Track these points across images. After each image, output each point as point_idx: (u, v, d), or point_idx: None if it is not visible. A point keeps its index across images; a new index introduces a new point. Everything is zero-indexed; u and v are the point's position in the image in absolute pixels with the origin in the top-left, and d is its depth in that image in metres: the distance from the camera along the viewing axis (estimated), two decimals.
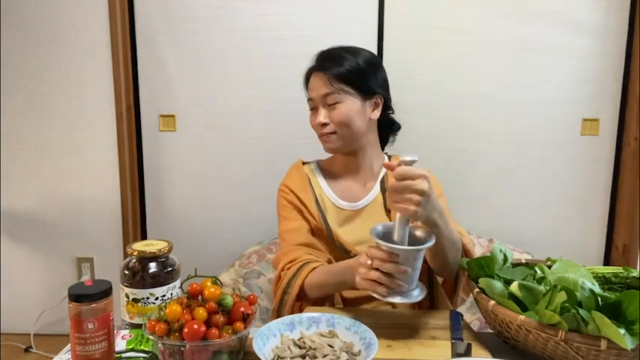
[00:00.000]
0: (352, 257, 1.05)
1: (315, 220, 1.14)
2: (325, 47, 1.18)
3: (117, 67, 1.94)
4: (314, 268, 1.05)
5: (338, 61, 1.12)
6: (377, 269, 0.85)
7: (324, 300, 1.07)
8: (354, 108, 1.11)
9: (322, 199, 1.17)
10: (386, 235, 0.87)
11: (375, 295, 0.86)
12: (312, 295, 1.05)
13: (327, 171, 1.23)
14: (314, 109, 1.16)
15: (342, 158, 1.20)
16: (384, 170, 1.20)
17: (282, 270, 1.09)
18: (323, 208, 1.15)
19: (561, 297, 0.73)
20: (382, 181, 1.19)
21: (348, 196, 1.18)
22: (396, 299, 0.85)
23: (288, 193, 1.19)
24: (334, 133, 1.12)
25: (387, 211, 1.16)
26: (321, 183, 1.20)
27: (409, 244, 0.86)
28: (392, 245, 0.83)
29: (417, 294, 0.87)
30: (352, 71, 1.11)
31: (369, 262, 0.86)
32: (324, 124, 1.11)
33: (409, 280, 0.85)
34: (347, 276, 0.96)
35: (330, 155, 1.24)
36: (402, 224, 0.86)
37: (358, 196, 1.18)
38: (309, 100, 1.16)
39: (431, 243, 0.86)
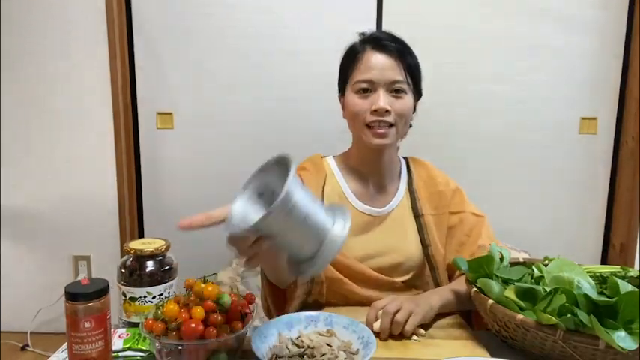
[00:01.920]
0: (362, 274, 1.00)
1: None
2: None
3: (114, 64, 1.93)
4: None
5: (409, 50, 1.02)
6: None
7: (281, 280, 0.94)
8: (412, 103, 1.03)
9: (341, 199, 1.05)
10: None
11: (294, 275, 0.79)
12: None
13: (346, 169, 1.10)
14: (365, 91, 0.99)
15: (364, 157, 1.07)
16: (405, 172, 1.13)
17: None
18: None
19: (560, 300, 0.73)
20: (409, 184, 1.11)
21: (371, 200, 1.07)
22: (311, 267, 0.62)
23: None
24: (393, 125, 0.99)
25: (416, 217, 1.08)
26: (341, 184, 1.08)
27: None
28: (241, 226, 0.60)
29: (338, 231, 0.62)
30: (417, 67, 1.04)
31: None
32: (387, 111, 0.97)
33: (304, 240, 0.62)
34: None
35: (345, 150, 1.14)
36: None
37: (382, 200, 1.08)
38: (366, 81, 0.99)
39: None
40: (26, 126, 2.02)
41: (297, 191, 0.59)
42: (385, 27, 1.89)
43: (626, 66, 1.92)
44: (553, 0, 1.87)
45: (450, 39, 1.90)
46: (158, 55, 1.95)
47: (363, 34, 1.07)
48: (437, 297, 0.96)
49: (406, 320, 0.85)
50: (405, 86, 1.00)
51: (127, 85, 1.97)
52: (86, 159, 2.03)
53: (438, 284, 1.07)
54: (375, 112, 0.98)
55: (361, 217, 1.06)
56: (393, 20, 1.89)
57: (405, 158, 1.19)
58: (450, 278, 1.10)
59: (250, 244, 0.64)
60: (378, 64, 0.99)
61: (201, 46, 1.93)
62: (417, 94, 1.07)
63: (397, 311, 0.85)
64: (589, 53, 1.91)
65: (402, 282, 1.06)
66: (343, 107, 1.07)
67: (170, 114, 1.99)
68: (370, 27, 1.89)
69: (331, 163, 1.12)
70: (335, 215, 0.65)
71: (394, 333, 0.85)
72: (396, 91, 0.99)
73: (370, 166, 1.08)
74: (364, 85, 0.99)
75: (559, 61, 1.91)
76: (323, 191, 1.06)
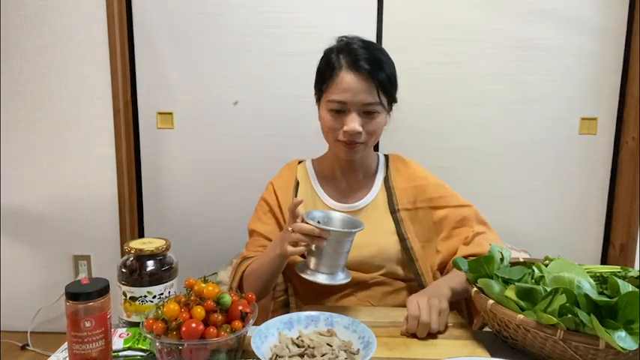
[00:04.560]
0: None
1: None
2: (326, 44, 1.09)
3: (114, 63, 1.93)
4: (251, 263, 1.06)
5: (382, 67, 1.03)
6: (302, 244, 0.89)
7: (264, 291, 1.06)
8: (385, 119, 1.08)
9: (315, 203, 1.14)
10: (320, 222, 0.92)
11: (300, 274, 0.91)
12: (252, 287, 1.03)
13: (321, 171, 1.19)
14: (339, 112, 1.04)
15: (337, 161, 1.15)
16: (382, 170, 1.18)
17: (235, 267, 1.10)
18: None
19: (560, 300, 0.73)
20: (386, 180, 1.16)
21: (344, 198, 1.14)
22: (320, 279, 0.90)
23: (271, 193, 1.17)
24: (363, 143, 1.06)
25: (391, 212, 1.12)
26: (314, 185, 1.16)
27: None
28: (318, 225, 0.86)
29: (342, 277, 0.92)
30: (392, 81, 1.06)
31: (293, 235, 0.89)
32: (359, 132, 1.03)
33: (334, 263, 0.90)
34: (276, 249, 0.96)
35: (323, 154, 1.21)
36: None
37: (355, 196, 1.14)
38: (339, 102, 1.02)
39: (360, 229, 0.90)
40: (26, 126, 2.02)
41: (352, 241, 0.92)
42: (385, 27, 1.89)
43: (627, 66, 1.92)
44: (553, 0, 1.87)
45: (450, 39, 1.90)
46: (158, 55, 1.95)
47: (342, 39, 1.08)
48: (444, 287, 0.98)
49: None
50: (377, 107, 1.03)
51: (127, 84, 1.97)
52: (86, 159, 2.03)
53: (419, 275, 1.11)
54: (346, 132, 1.03)
55: None
56: (393, 20, 1.89)
57: (386, 155, 1.22)
58: (442, 273, 1.13)
59: (306, 236, 0.87)
60: (352, 86, 1.01)
61: (201, 46, 1.93)
62: (392, 102, 1.09)
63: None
64: (589, 53, 1.91)
65: (380, 274, 1.10)
66: (319, 112, 1.11)
67: (170, 114, 1.99)
68: (370, 27, 1.89)
69: (308, 166, 1.20)
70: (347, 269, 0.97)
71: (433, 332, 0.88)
72: (368, 112, 1.03)
73: (343, 168, 1.15)
74: (337, 106, 1.03)
75: (559, 61, 1.91)
76: (296, 194, 1.15)
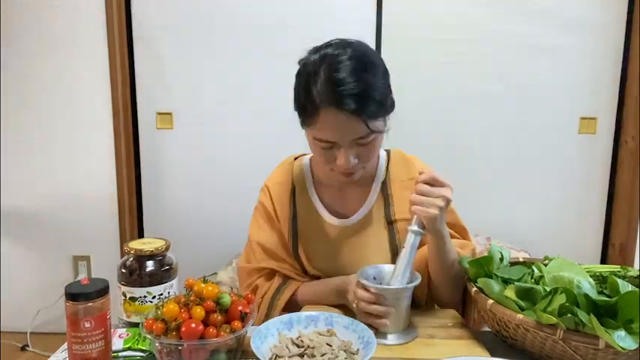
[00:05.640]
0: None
1: (285, 239, 1.06)
2: (324, 42, 1.03)
3: (114, 64, 1.93)
4: (298, 287, 1.03)
5: (370, 95, 0.87)
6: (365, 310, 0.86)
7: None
8: (381, 137, 0.96)
9: (310, 214, 1.06)
10: (376, 278, 0.91)
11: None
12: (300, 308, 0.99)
13: (317, 175, 1.09)
14: (328, 149, 0.92)
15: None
16: (381, 173, 1.08)
17: (258, 278, 1.06)
18: (308, 222, 1.06)
19: (560, 299, 0.73)
20: (384, 184, 1.07)
21: (339, 210, 1.06)
22: (390, 340, 0.86)
23: (267, 198, 1.09)
24: (361, 168, 0.96)
25: (387, 223, 1.04)
26: (310, 194, 1.08)
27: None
28: (378, 286, 0.85)
29: (412, 333, 0.89)
30: (384, 103, 0.91)
31: (354, 304, 0.88)
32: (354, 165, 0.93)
33: (399, 319, 0.87)
34: (337, 297, 0.97)
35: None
36: (413, 246, 0.88)
37: (350, 208, 1.06)
38: (327, 141, 0.90)
39: (417, 282, 0.87)
40: (26, 126, 2.02)
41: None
42: (385, 27, 1.89)
43: (626, 65, 1.92)
44: (553, 0, 1.87)
45: (450, 39, 1.90)
46: (158, 55, 1.95)
47: (322, 55, 0.93)
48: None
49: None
50: (370, 136, 0.90)
51: (127, 85, 1.97)
52: (86, 159, 2.03)
53: None
54: (340, 166, 0.92)
55: (331, 227, 1.05)
56: (393, 20, 1.89)
57: (387, 151, 1.13)
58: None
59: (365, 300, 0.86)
60: (338, 125, 0.87)
61: (201, 46, 1.93)
62: (387, 116, 0.96)
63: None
64: (589, 53, 1.91)
65: None
66: (306, 136, 0.98)
67: (170, 114, 1.99)
68: (370, 27, 1.89)
69: (305, 168, 1.10)
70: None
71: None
72: (365, 143, 0.91)
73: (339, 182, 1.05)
74: (325, 145, 0.91)
75: (559, 61, 1.91)
76: (294, 201, 1.07)
